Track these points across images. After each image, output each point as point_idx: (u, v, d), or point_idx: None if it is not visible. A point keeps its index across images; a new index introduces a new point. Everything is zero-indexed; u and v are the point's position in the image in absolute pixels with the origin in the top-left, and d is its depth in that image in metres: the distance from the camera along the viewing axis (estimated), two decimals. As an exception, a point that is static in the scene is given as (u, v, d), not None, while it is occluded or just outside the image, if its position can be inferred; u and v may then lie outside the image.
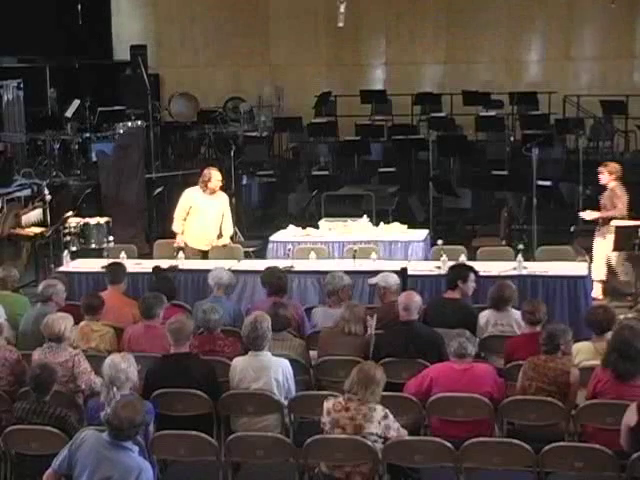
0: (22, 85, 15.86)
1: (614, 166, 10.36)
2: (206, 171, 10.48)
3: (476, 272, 8.15)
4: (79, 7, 16.65)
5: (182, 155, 17.33)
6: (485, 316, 7.72)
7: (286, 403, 6.41)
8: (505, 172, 13.57)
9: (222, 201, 10.54)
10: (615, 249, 10.30)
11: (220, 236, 10.54)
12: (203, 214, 10.39)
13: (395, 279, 8.08)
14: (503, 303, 7.67)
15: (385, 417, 5.67)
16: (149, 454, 5.86)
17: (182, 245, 10.23)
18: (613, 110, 16.22)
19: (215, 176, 10.38)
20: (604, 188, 10.38)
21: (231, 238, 10.72)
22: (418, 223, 12.11)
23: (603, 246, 10.25)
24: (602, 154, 16.19)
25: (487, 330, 7.64)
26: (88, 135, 15.92)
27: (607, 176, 10.30)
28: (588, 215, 10.42)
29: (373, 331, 7.21)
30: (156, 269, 9.23)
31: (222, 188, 10.62)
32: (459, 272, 8.11)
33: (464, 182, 14.39)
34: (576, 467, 5.52)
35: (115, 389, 5.82)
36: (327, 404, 5.76)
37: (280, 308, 7.20)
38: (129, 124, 15.36)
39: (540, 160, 12.08)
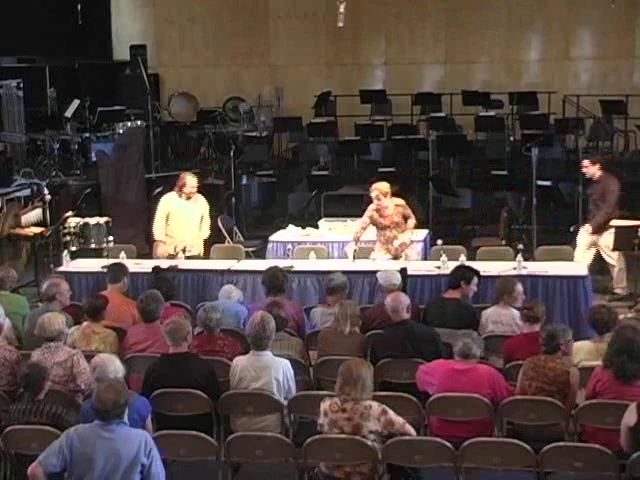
0: (22, 85, 15.85)
1: (386, 185, 9.83)
2: (182, 175, 10.47)
3: (480, 276, 8.15)
4: (79, 7, 16.60)
5: (182, 155, 17.34)
6: (487, 314, 7.75)
7: (286, 403, 6.41)
8: (505, 172, 13.58)
9: (201, 206, 10.51)
10: (614, 249, 10.32)
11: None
12: (181, 219, 10.35)
13: (398, 277, 8.08)
14: (507, 293, 7.70)
15: (384, 412, 5.64)
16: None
17: (165, 255, 10.20)
18: (613, 110, 16.22)
19: (189, 182, 10.32)
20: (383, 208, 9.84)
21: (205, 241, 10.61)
22: (418, 223, 12.09)
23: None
24: (602, 154, 16.18)
25: (487, 327, 7.67)
26: (88, 135, 15.93)
27: (389, 197, 9.77)
28: (407, 236, 9.86)
29: None
30: (156, 269, 9.23)
31: (199, 191, 10.56)
32: (464, 273, 8.11)
33: (464, 182, 14.39)
34: (576, 467, 5.52)
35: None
36: (324, 405, 5.74)
37: (276, 308, 7.19)
38: (129, 124, 15.38)
39: (540, 160, 12.08)
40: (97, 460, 5.11)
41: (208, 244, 10.66)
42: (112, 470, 5.10)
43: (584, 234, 10.53)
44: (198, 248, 10.45)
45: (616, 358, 5.98)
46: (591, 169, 10.54)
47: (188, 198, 10.35)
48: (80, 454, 5.15)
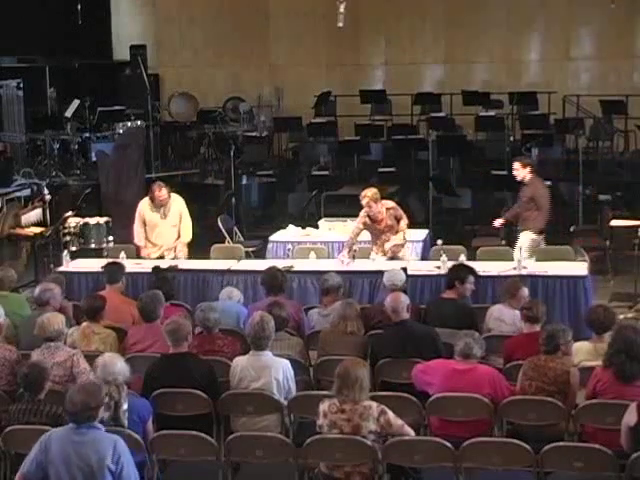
0: (22, 85, 15.85)
1: (375, 191, 9.77)
2: (152, 187, 10.41)
3: (476, 274, 8.14)
4: (79, 7, 16.62)
5: (182, 155, 17.34)
6: (491, 310, 7.79)
7: (286, 403, 6.40)
8: (505, 172, 13.56)
9: (176, 208, 10.38)
10: (614, 249, 10.33)
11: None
12: (155, 226, 10.36)
13: (401, 277, 8.07)
14: (510, 294, 7.72)
15: (383, 413, 5.62)
16: (149, 454, 5.87)
17: (148, 257, 10.23)
18: (613, 110, 16.22)
19: (157, 194, 10.23)
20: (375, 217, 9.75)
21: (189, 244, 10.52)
22: (418, 223, 12.10)
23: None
24: (602, 154, 16.20)
25: (489, 323, 7.70)
26: (88, 135, 15.94)
27: (379, 202, 9.69)
28: (399, 237, 9.74)
29: None
30: (156, 269, 9.23)
31: (175, 191, 10.57)
32: (457, 273, 8.10)
33: (464, 182, 14.39)
34: (576, 467, 5.51)
35: (115, 387, 5.81)
36: (322, 406, 5.72)
37: (276, 308, 7.20)
38: (129, 124, 15.38)
39: (540, 160, 12.09)
40: (67, 464, 5.09)
41: (193, 247, 10.57)
42: (79, 474, 5.07)
43: (526, 237, 10.33)
44: (181, 253, 10.33)
45: (616, 358, 5.97)
46: (522, 172, 10.39)
47: (161, 206, 10.32)
48: (53, 458, 5.13)
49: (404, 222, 9.77)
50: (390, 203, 9.87)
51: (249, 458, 5.96)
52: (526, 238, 10.29)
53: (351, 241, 9.78)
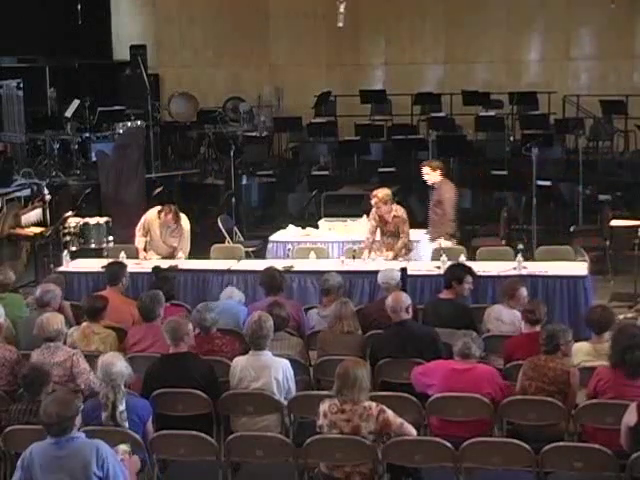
0: (22, 85, 15.85)
1: (386, 192, 9.82)
2: (163, 207, 10.38)
3: (473, 274, 8.12)
4: (79, 7, 16.62)
5: (182, 155, 17.34)
6: (490, 310, 7.79)
7: (286, 403, 6.41)
8: (505, 172, 13.58)
9: (180, 231, 10.32)
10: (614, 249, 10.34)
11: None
12: (155, 239, 10.36)
13: (394, 275, 8.08)
14: (508, 295, 7.72)
15: (382, 412, 5.61)
16: (149, 454, 5.87)
17: (146, 260, 10.23)
18: (613, 110, 16.23)
19: (164, 217, 10.19)
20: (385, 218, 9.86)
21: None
22: (418, 223, 12.09)
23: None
24: (602, 154, 16.21)
25: (488, 322, 7.71)
26: (88, 135, 15.93)
27: (390, 204, 9.78)
28: (379, 258, 9.75)
29: None
30: (156, 269, 9.23)
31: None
32: (455, 273, 8.09)
33: (464, 182, 14.36)
34: (576, 467, 5.51)
35: (111, 388, 5.81)
36: (323, 406, 5.72)
37: (276, 308, 7.20)
38: (129, 124, 15.38)
39: (540, 160, 12.08)
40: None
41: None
42: None
43: (426, 241, 10.25)
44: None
45: (627, 354, 5.91)
46: (432, 175, 10.13)
47: (167, 225, 10.30)
48: (38, 477, 5.08)
49: (402, 241, 9.80)
50: (400, 211, 9.89)
51: (249, 458, 5.96)
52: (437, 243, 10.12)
53: (368, 241, 9.90)
